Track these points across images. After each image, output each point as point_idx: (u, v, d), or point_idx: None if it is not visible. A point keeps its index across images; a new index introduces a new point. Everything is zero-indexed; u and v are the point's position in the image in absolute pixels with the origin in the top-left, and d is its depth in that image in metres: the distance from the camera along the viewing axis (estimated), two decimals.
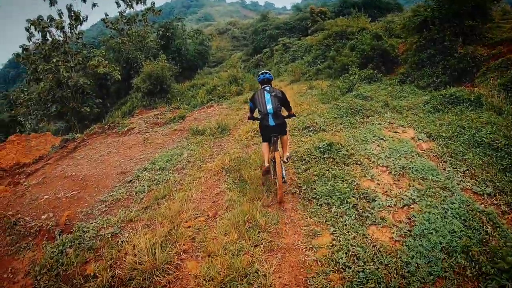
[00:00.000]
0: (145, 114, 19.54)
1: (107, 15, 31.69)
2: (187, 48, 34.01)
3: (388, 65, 19.07)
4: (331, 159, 7.86)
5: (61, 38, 25.41)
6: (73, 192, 8.72)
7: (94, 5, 27.77)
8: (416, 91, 14.01)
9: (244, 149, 9.76)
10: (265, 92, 6.17)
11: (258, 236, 5.49)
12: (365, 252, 4.92)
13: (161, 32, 32.62)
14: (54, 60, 23.49)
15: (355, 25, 24.45)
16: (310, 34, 31.12)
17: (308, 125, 10.30)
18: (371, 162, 7.71)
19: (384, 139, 8.93)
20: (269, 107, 6.03)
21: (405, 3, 45.83)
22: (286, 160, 6.40)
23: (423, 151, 8.29)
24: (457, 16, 14.90)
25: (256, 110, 6.47)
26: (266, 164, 6.38)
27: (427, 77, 14.90)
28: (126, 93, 28.31)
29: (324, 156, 7.99)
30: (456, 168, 7.32)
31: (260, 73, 6.57)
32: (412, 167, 7.31)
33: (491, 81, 12.18)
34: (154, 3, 32.79)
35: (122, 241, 6.06)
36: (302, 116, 11.53)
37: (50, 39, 25.35)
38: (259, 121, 6.51)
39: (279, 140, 6.52)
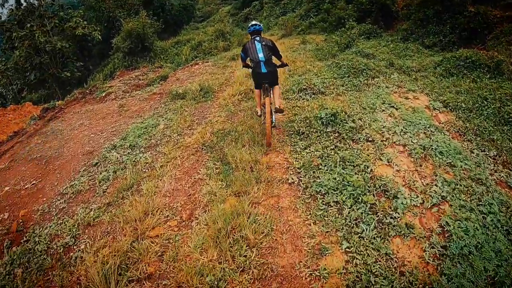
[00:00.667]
0: (127, 76, 17.43)
1: None
2: (171, 3, 30.86)
3: (387, 20, 17.09)
4: (336, 134, 6.15)
5: (36, 2, 22.53)
6: (34, 182, 7.00)
7: None
8: (422, 50, 12.25)
9: (229, 117, 7.90)
10: (255, 41, 6.08)
11: (245, 256, 3.84)
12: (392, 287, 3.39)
13: None
14: (28, 25, 20.78)
15: None
16: None
17: (304, 87, 8.45)
18: (384, 139, 6.02)
19: (395, 107, 7.27)
20: (261, 55, 5.98)
21: None
22: (278, 107, 6.16)
23: (441, 125, 6.73)
24: None
25: (248, 59, 6.39)
26: (259, 112, 6.52)
27: (433, 36, 13.12)
28: (110, 53, 25.78)
29: (328, 129, 6.26)
30: (484, 151, 5.89)
31: (250, 24, 6.35)
32: (435, 148, 5.72)
33: (506, 46, 10.61)
34: None
35: (76, 258, 4.44)
36: (297, 75, 9.68)
37: (25, 3, 22.40)
38: (251, 69, 6.37)
39: (270, 89, 6.41)
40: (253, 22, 6.39)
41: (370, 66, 9.32)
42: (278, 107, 6.13)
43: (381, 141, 5.95)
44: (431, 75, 9.26)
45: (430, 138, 6.06)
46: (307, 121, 6.63)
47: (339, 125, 6.32)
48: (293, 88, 8.63)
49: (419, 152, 5.64)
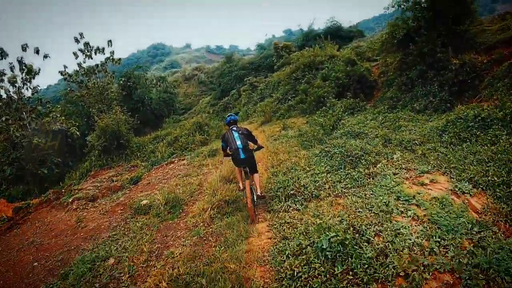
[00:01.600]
0: (100, 176, 15.61)
1: (66, 67, 27.18)
2: (150, 97, 30.04)
3: (366, 91, 15.97)
4: (351, 275, 3.89)
5: (15, 95, 21.44)
6: None
7: (45, 56, 23.39)
8: (416, 116, 10.63)
9: (197, 245, 5.70)
10: (233, 131, 6.44)
11: None
12: None
13: (122, 82, 28.61)
14: (4, 118, 19.47)
15: (323, 54, 21.34)
16: (277, 70, 27.78)
17: (292, 192, 6.47)
18: (422, 267, 3.85)
19: (415, 202, 5.28)
20: (239, 143, 6.28)
21: (366, 30, 43.71)
22: (260, 195, 6.29)
23: (482, 216, 4.74)
24: (443, 20, 11.84)
25: (228, 148, 6.50)
26: (241, 186, 6.63)
27: (421, 98, 11.61)
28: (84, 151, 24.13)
29: (337, 270, 3.96)
30: None
31: (227, 116, 6.86)
32: (497, 265, 3.68)
33: (506, 90, 9.13)
34: (113, 52, 27.99)
35: None
36: (281, 173, 7.74)
37: (4, 95, 21.25)
38: (231, 157, 6.52)
39: (250, 175, 6.51)
40: (229, 114, 6.96)
41: (367, 149, 7.47)
42: (260, 194, 6.27)
43: (419, 273, 3.75)
44: (440, 146, 7.47)
45: (481, 248, 4.03)
46: (304, 254, 4.41)
47: (352, 257, 4.07)
48: (278, 194, 6.65)
49: (478, 282, 3.48)
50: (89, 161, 19.45)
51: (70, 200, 11.11)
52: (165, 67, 78.05)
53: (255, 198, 6.37)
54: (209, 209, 6.93)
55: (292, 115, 16.95)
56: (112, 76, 28.74)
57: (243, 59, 39.62)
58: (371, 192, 5.79)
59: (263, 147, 7.41)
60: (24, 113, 21.02)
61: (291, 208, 5.93)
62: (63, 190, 13.67)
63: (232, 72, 35.01)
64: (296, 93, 19.48)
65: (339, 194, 6.00)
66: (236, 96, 29.94)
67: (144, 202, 8.38)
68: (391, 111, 11.96)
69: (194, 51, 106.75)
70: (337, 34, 29.65)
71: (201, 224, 6.49)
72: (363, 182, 6.25)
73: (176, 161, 13.64)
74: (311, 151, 8.78)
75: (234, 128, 6.49)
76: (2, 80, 21.32)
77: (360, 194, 5.82)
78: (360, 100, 14.20)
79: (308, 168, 7.45)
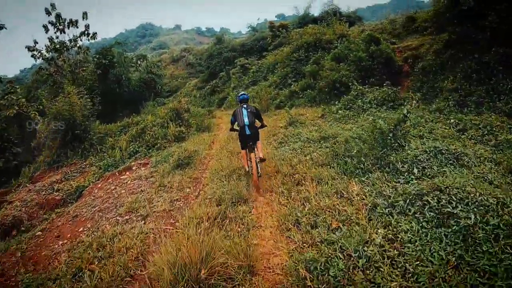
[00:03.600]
0: (43, 180, 10.66)
1: (36, 42, 21.92)
2: (128, 77, 24.67)
3: (394, 78, 11.27)
4: None
5: None
6: None
7: (0, 27, 18.19)
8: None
9: None
10: (243, 109, 6.29)
11: None
12: None
13: (96, 59, 23.15)
14: None
15: (330, 32, 16.45)
16: (272, 50, 22.76)
17: None
18: None
19: None
20: (246, 120, 6.14)
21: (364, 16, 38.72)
22: (262, 157, 6.15)
23: None
24: None
25: (236, 123, 6.47)
26: (247, 169, 6.40)
27: (506, 95, 7.08)
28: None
29: None
30: None
31: (239, 94, 6.67)
32: None
33: None
34: (88, 25, 22.75)
35: None
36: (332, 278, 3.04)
37: None
38: (238, 132, 6.39)
39: (254, 146, 6.26)
40: (242, 92, 6.75)
41: None
42: (261, 157, 6.17)
43: None
44: None
45: None
46: None
47: None
48: None
49: None
50: (44, 154, 14.35)
51: None
52: (153, 48, 70.84)
53: (259, 170, 6.13)
54: None
55: (296, 104, 12.05)
56: (86, 53, 23.45)
57: (234, 41, 34.27)
58: None
59: (266, 126, 7.02)
60: None
61: None
62: (12, 190, 10.61)
63: (222, 54, 29.83)
64: (298, 76, 14.60)
65: None
66: (225, 78, 24.82)
67: None
68: (460, 110, 7.35)
69: (184, 32, 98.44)
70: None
71: None
72: None
73: (134, 167, 8.79)
74: (372, 186, 4.01)
75: (245, 106, 6.31)
76: None
77: None
78: (396, 90, 9.55)
79: (407, 264, 2.60)
